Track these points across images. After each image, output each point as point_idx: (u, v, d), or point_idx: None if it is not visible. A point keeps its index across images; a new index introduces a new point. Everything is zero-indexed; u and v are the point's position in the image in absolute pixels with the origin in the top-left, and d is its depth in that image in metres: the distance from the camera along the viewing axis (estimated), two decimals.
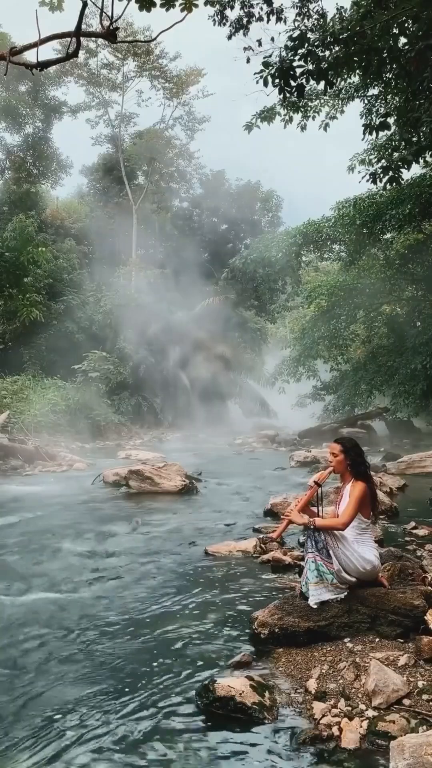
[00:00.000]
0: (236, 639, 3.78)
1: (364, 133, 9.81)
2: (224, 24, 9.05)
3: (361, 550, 3.73)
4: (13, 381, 20.67)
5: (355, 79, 12.47)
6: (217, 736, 2.74)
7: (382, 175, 9.72)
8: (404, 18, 8.48)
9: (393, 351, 20.66)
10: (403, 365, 19.04)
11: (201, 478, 10.93)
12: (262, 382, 26.74)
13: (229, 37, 9.19)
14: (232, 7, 8.91)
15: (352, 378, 21.54)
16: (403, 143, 9.68)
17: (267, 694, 2.94)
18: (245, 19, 9.07)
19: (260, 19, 9.14)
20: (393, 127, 10.32)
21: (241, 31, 9.15)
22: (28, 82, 28.24)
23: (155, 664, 3.46)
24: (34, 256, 22.39)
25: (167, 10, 3.97)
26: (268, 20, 9.17)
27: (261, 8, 9.02)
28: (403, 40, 8.93)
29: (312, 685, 3.09)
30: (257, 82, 8.54)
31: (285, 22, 9.20)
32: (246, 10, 9.00)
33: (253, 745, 2.68)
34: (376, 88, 12.05)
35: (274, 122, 14.40)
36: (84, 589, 4.84)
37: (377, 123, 9.45)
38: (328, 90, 9.33)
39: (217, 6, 8.79)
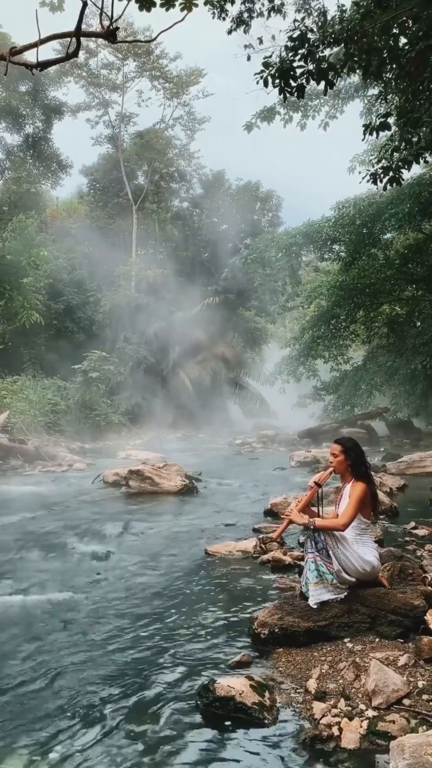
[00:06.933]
0: (236, 639, 3.78)
1: (364, 134, 9.78)
2: (224, 18, 9.01)
3: (361, 550, 3.73)
4: (13, 381, 20.66)
5: (355, 79, 12.47)
6: (217, 736, 2.74)
7: (382, 175, 9.69)
8: (404, 18, 8.47)
9: (393, 351, 20.65)
10: (403, 365, 19.03)
11: (201, 478, 10.92)
12: (262, 381, 26.74)
13: (230, 32, 9.16)
14: (232, 2, 8.86)
15: (352, 378, 21.54)
16: (404, 143, 9.64)
17: (267, 694, 2.94)
18: (246, 14, 9.05)
19: (261, 14, 9.13)
20: (393, 128, 10.27)
21: (242, 27, 9.13)
22: (28, 82, 28.21)
23: (155, 664, 3.46)
24: (36, 259, 22.43)
25: (167, 10, 3.97)
26: (269, 16, 9.16)
27: (262, 4, 9.02)
28: (403, 40, 8.92)
29: (312, 685, 3.09)
30: (257, 83, 8.53)
31: (285, 17, 9.20)
32: (247, 5, 8.98)
33: (253, 745, 2.67)
34: (376, 88, 12.04)
35: (274, 122, 14.47)
36: (83, 589, 4.84)
37: (377, 123, 9.42)
38: (329, 90, 9.31)
39: (217, 1, 8.74)
